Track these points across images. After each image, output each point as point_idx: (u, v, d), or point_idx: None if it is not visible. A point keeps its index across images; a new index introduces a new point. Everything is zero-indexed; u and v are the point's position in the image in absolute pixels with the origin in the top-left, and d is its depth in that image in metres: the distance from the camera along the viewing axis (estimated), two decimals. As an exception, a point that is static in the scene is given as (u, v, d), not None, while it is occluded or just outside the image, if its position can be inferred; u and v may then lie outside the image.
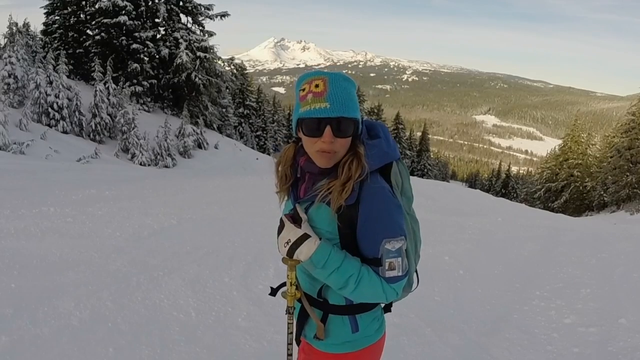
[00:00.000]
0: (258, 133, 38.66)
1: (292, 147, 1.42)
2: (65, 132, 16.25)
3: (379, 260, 1.26)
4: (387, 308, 1.54)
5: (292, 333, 1.41)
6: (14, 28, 21.63)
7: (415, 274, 1.50)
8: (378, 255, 1.26)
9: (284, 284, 1.46)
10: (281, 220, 1.34)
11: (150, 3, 24.69)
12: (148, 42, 23.92)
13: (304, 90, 1.27)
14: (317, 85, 1.24)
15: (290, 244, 1.28)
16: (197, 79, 24.50)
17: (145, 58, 24.17)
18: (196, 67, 24.55)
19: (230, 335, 3.08)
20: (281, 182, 1.44)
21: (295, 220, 1.32)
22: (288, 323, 1.40)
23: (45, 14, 24.94)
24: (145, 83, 23.93)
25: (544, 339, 3.46)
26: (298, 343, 1.50)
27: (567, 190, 30.60)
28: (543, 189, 32.43)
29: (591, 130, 36.12)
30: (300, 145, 1.38)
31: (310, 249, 1.25)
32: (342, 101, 1.23)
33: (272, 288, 1.55)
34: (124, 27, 23.38)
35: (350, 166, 1.26)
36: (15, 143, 12.57)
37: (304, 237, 1.26)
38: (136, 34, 23.67)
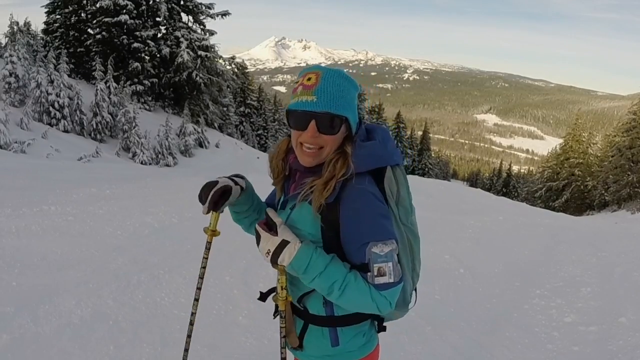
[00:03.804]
0: (259, 132, 38.67)
1: (286, 141, 1.38)
2: (66, 131, 16.23)
3: (367, 266, 1.17)
4: (381, 327, 1.43)
5: (285, 337, 1.37)
6: (15, 27, 21.59)
7: (414, 292, 1.40)
8: (365, 260, 1.17)
9: (273, 289, 1.42)
10: (256, 230, 1.27)
11: (151, 2, 24.63)
12: (149, 41, 23.89)
13: (297, 82, 1.23)
14: (309, 79, 1.20)
15: (271, 253, 1.21)
16: (198, 78, 24.48)
17: (146, 57, 24.14)
18: (197, 66, 24.53)
19: (230, 333, 3.09)
20: (274, 175, 1.41)
21: (270, 226, 1.25)
22: (280, 327, 1.36)
23: (46, 13, 24.93)
24: (146, 82, 23.90)
25: (544, 338, 3.47)
26: None
27: (568, 190, 30.55)
28: (544, 188, 32.36)
29: (592, 129, 35.97)
30: None
31: (291, 254, 1.18)
32: (330, 96, 1.17)
33: (261, 293, 1.50)
34: (125, 26, 23.36)
35: (335, 165, 1.21)
36: (16, 142, 12.56)
37: (283, 243, 1.19)
38: (137, 33, 23.64)
